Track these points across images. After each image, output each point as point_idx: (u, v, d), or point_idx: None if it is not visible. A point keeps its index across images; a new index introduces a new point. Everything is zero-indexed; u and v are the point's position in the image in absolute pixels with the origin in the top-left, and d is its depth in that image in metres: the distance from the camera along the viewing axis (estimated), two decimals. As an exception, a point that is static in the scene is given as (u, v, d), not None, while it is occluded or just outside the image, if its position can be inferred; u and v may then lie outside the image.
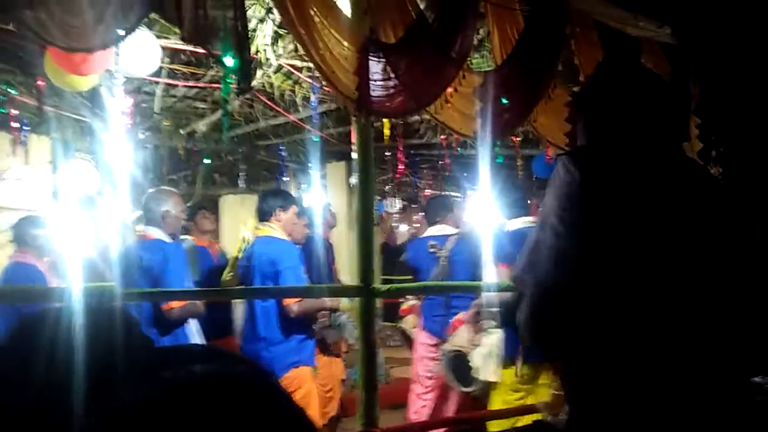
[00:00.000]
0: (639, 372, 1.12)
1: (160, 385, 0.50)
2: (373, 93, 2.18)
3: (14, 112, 3.79)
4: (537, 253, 1.18)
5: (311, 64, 2.26)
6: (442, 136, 4.89)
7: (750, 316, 1.20)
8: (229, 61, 1.87)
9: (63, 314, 0.73)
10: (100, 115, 3.82)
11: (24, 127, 4.10)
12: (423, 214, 6.69)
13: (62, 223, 3.46)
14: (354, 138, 2.31)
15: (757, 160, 3.20)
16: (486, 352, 2.88)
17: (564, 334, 1.17)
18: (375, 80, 2.18)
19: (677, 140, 1.37)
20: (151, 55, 2.92)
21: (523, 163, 5.45)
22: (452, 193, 7.39)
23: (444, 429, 3.47)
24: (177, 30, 2.13)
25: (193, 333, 3.03)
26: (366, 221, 2.19)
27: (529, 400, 2.68)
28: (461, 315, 3.24)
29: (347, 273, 5.48)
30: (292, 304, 3.05)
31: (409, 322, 4.10)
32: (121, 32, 1.74)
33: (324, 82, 2.47)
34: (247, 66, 1.90)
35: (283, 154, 5.86)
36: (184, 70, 3.76)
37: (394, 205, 7.83)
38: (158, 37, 3.05)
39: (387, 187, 7.61)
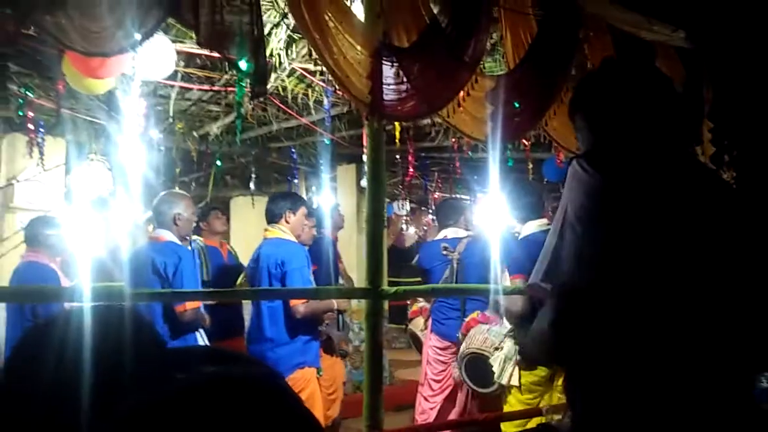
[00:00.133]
0: (660, 377, 1.11)
1: (173, 386, 0.51)
2: (386, 97, 2.19)
3: (31, 114, 3.84)
4: (557, 260, 1.16)
5: (324, 68, 2.27)
6: (453, 139, 4.89)
7: (764, 323, 1.19)
8: (244, 65, 1.89)
9: (77, 316, 0.74)
10: (115, 118, 3.86)
11: (40, 129, 4.15)
12: (433, 216, 6.71)
13: (75, 223, 3.50)
14: (366, 141, 2.32)
15: (771, 164, 3.18)
16: (504, 356, 2.88)
17: (589, 338, 1.14)
18: (388, 84, 2.19)
19: (687, 143, 1.36)
20: (167, 59, 2.95)
21: (534, 167, 5.43)
22: (462, 196, 7.38)
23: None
24: (192, 34, 2.16)
25: (199, 334, 3.06)
26: (376, 224, 2.20)
27: (545, 401, 2.67)
28: (476, 315, 3.23)
29: (354, 274, 5.50)
30: (299, 305, 3.07)
31: (418, 325, 4.11)
32: (139, 37, 1.77)
33: (337, 86, 2.48)
34: (263, 70, 1.91)
35: (295, 156, 5.88)
36: (199, 73, 3.80)
37: (404, 207, 7.83)
38: (174, 41, 3.08)
39: (397, 190, 7.62)
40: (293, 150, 5.84)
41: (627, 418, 1.12)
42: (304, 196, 6.63)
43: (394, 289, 2.27)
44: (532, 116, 2.66)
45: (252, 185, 5.93)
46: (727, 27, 2.95)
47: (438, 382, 3.66)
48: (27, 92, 3.66)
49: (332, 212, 4.56)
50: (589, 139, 1.34)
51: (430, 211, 7.65)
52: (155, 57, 2.84)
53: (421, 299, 4.20)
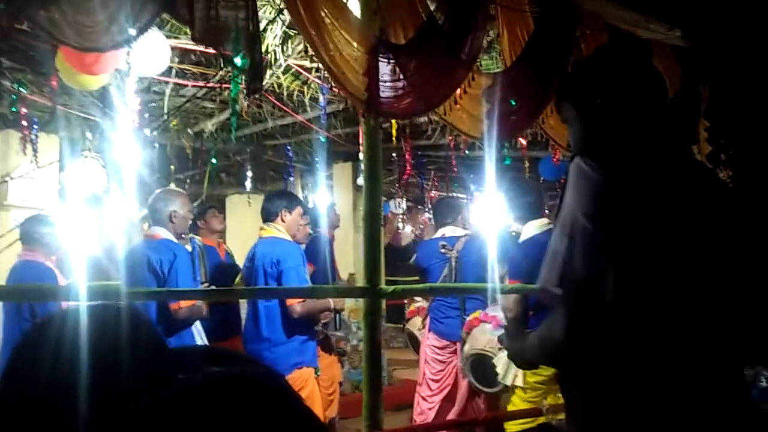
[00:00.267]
0: (673, 377, 1.10)
1: (174, 387, 0.51)
2: (382, 94, 2.18)
3: (24, 110, 3.81)
4: (570, 262, 1.10)
5: (320, 65, 2.26)
6: (450, 137, 4.88)
7: (762, 324, 1.19)
8: (239, 61, 1.88)
9: (77, 316, 0.73)
10: (110, 114, 3.84)
11: (33, 126, 4.12)
12: (429, 215, 6.71)
13: (69, 221, 3.48)
14: (362, 139, 2.31)
15: (767, 163, 3.19)
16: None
17: (608, 343, 1.09)
18: (384, 81, 2.18)
19: (683, 140, 1.35)
20: (161, 55, 2.93)
21: (530, 165, 5.43)
22: (459, 195, 7.39)
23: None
24: (187, 30, 2.14)
25: (197, 333, 3.04)
26: (373, 222, 2.19)
27: (548, 400, 2.67)
28: (478, 314, 3.22)
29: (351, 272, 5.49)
30: (295, 305, 3.06)
31: (416, 324, 4.10)
32: (133, 32, 1.75)
33: (333, 83, 2.47)
34: (259, 66, 1.90)
35: (291, 154, 5.87)
36: (194, 69, 3.78)
37: (400, 206, 7.83)
38: (168, 36, 3.06)
39: (393, 188, 7.61)
40: (289, 147, 5.83)
41: (635, 418, 1.11)
42: (300, 194, 6.63)
43: (392, 288, 2.26)
44: (528, 114, 2.66)
45: (248, 183, 5.92)
46: (724, 26, 2.95)
47: (436, 381, 3.65)
48: (20, 88, 3.64)
49: (328, 211, 4.56)
50: (579, 129, 1.31)
51: (427, 209, 7.65)
52: (149, 53, 2.82)
53: (418, 299, 4.19)
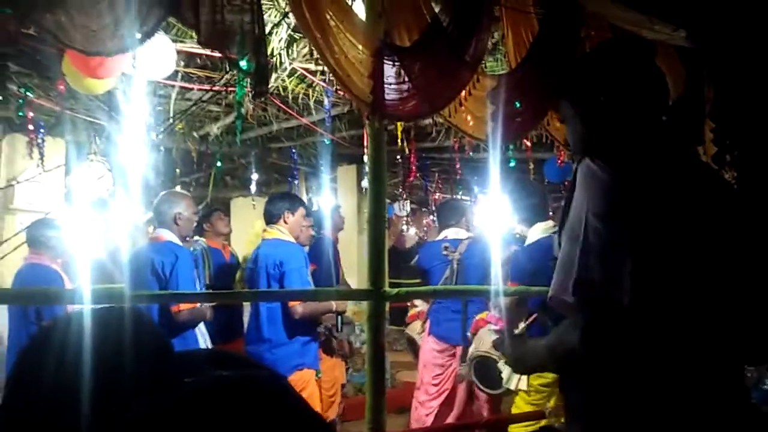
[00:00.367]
0: (678, 379, 1.09)
1: (182, 390, 0.51)
2: (387, 96, 2.18)
3: (31, 114, 3.84)
4: (585, 268, 1.07)
5: (325, 68, 2.26)
6: (454, 139, 4.88)
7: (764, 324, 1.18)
8: (244, 64, 1.88)
9: (83, 320, 0.74)
10: (115, 118, 3.86)
11: (40, 130, 4.15)
12: (434, 217, 6.70)
13: (75, 224, 3.50)
14: (366, 141, 2.31)
15: (773, 164, 3.17)
16: None
17: (629, 351, 1.07)
18: (389, 84, 2.18)
19: (688, 141, 1.34)
20: (167, 59, 2.95)
21: (535, 167, 5.43)
22: (463, 197, 7.38)
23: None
24: (193, 34, 2.15)
25: (201, 336, 3.05)
26: (377, 225, 2.19)
27: (551, 403, 2.66)
28: (484, 315, 3.21)
29: (355, 275, 5.49)
30: (297, 306, 3.06)
31: (415, 329, 4.04)
32: (139, 36, 1.76)
33: (338, 86, 2.47)
34: (264, 69, 1.90)
35: (295, 157, 5.88)
36: (200, 73, 3.79)
37: (404, 208, 7.83)
38: (174, 40, 3.08)
39: (397, 191, 7.61)
40: (294, 150, 5.84)
41: (639, 418, 1.10)
42: (304, 196, 6.64)
43: (396, 290, 2.26)
44: (533, 116, 2.65)
45: (253, 186, 5.93)
46: (729, 26, 2.94)
47: (435, 385, 3.62)
48: (27, 92, 3.66)
49: (333, 213, 4.56)
50: (580, 127, 1.29)
51: (431, 212, 7.64)
52: (156, 56, 2.83)
53: (418, 304, 4.15)
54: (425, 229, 7.61)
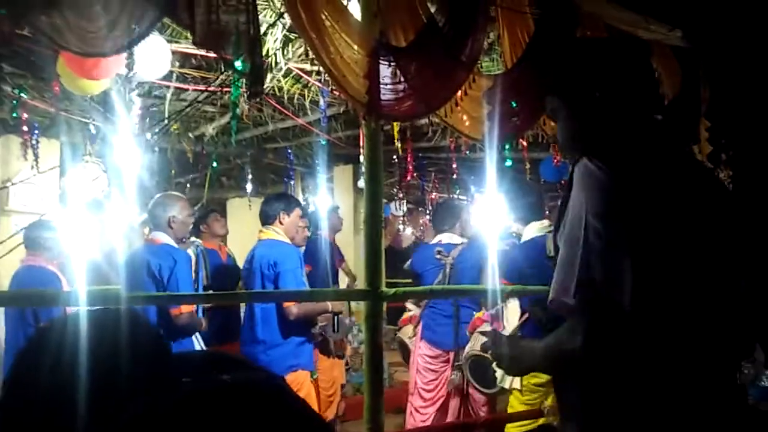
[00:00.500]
0: (676, 378, 1.09)
1: (180, 392, 0.51)
2: (383, 96, 2.18)
3: (25, 116, 3.82)
4: (586, 269, 1.06)
5: (321, 68, 2.26)
6: (450, 139, 4.89)
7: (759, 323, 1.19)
8: (239, 65, 1.88)
9: (81, 321, 0.73)
10: (110, 119, 3.84)
11: (34, 131, 4.13)
12: (430, 217, 6.69)
13: (70, 226, 3.49)
14: (362, 141, 2.30)
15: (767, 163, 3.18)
16: None
17: (631, 353, 1.06)
18: (385, 84, 2.18)
19: (685, 141, 1.34)
20: (162, 59, 2.94)
21: (531, 167, 5.43)
22: (459, 197, 7.38)
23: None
24: (188, 34, 2.15)
25: (195, 337, 3.04)
26: (374, 225, 2.19)
27: (549, 402, 2.67)
28: (481, 314, 3.21)
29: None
30: (292, 306, 3.06)
31: (407, 333, 3.98)
32: (134, 37, 1.75)
33: (334, 86, 2.47)
34: (259, 69, 1.90)
35: (291, 157, 5.87)
36: (195, 73, 3.78)
37: (401, 208, 7.82)
38: (169, 41, 3.07)
39: (393, 191, 7.61)
40: (289, 151, 5.83)
41: (637, 417, 1.10)
42: (300, 197, 6.63)
43: (393, 290, 2.26)
44: (529, 115, 2.65)
45: (249, 186, 5.92)
46: (725, 26, 2.95)
47: (429, 391, 3.57)
48: (21, 93, 3.64)
49: (331, 214, 4.55)
50: (570, 123, 1.29)
51: (428, 211, 7.65)
52: (150, 57, 2.82)
53: (411, 308, 4.11)
54: (422, 228, 7.61)
